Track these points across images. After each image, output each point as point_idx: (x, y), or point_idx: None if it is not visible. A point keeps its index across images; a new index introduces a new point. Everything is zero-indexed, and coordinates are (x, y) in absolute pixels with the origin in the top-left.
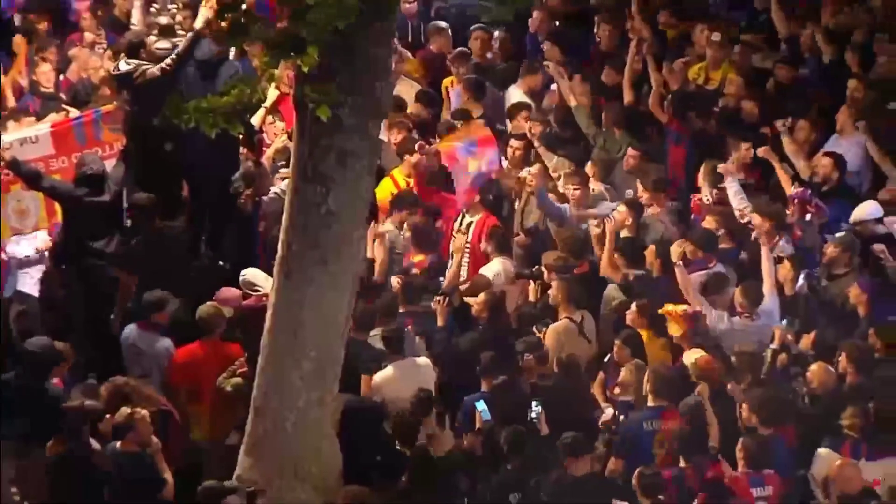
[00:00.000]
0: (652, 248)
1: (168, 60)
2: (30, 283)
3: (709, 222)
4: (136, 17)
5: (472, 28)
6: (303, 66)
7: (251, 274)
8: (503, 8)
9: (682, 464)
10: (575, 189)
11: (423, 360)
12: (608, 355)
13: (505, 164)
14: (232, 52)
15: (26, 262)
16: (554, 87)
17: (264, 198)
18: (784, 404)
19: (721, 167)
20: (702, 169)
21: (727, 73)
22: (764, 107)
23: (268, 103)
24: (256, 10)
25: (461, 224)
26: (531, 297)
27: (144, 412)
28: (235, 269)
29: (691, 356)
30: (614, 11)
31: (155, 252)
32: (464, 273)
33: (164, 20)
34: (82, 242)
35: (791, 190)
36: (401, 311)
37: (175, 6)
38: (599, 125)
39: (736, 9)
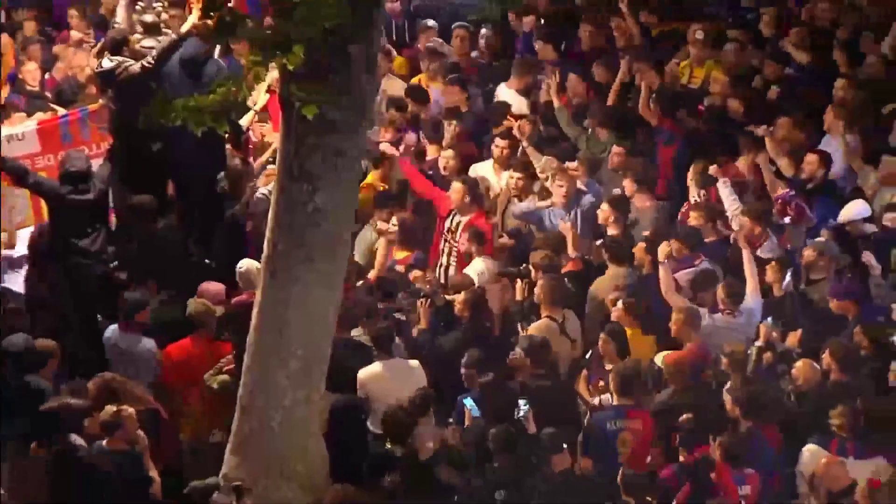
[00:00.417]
0: (641, 245)
1: (149, 58)
2: (19, 281)
3: (694, 218)
4: (120, 15)
5: (453, 26)
6: (288, 64)
7: (246, 267)
8: (491, 6)
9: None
10: (559, 186)
11: (414, 363)
12: (590, 352)
13: (492, 163)
14: (217, 50)
15: (17, 262)
16: (544, 86)
17: (256, 195)
18: (767, 398)
19: (713, 170)
20: (691, 169)
21: (711, 71)
22: (751, 105)
23: (258, 106)
24: (248, 7)
25: (451, 224)
26: (518, 296)
27: (131, 409)
28: (225, 268)
29: (660, 355)
30: (598, 11)
31: (148, 252)
32: (452, 273)
33: (149, 18)
34: (67, 240)
35: (779, 191)
36: (379, 306)
37: (160, 4)
38: (583, 126)
39: (723, 7)
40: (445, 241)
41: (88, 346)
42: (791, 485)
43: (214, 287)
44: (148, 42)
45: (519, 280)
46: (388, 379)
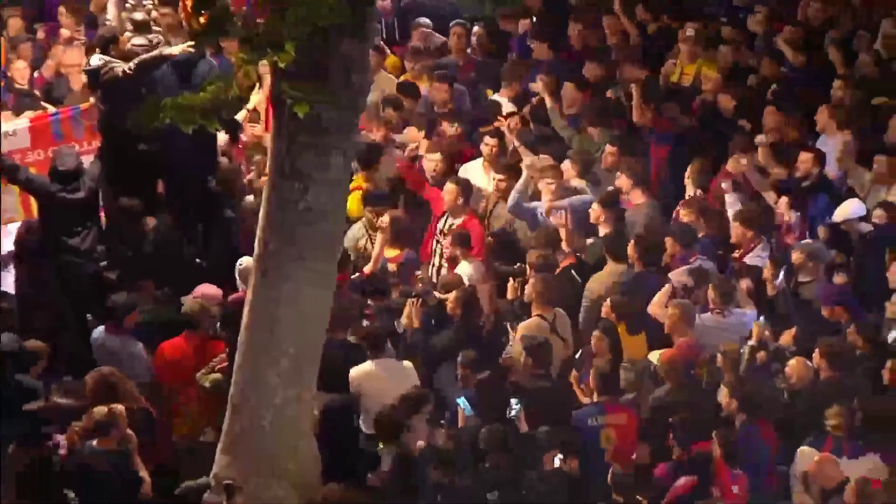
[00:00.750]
0: (631, 242)
1: (131, 64)
2: (10, 280)
3: (684, 215)
4: (111, 13)
5: (451, 24)
6: (280, 62)
7: (246, 264)
8: (486, 4)
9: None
10: (549, 183)
11: (407, 363)
12: (580, 350)
13: (481, 161)
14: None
15: (5, 259)
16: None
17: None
18: (763, 396)
19: (724, 185)
20: (689, 168)
21: (702, 68)
22: (743, 102)
23: (251, 105)
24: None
25: (444, 226)
26: (510, 295)
27: (122, 408)
28: (224, 267)
29: (655, 353)
30: (596, 10)
31: (138, 252)
32: (444, 273)
33: (139, 16)
34: (58, 238)
35: (773, 196)
36: (368, 302)
37: (151, 2)
38: (576, 127)
39: (721, 6)
40: (437, 241)
41: (80, 345)
42: (786, 484)
43: (211, 291)
44: (138, 40)
45: (511, 279)
46: (381, 378)
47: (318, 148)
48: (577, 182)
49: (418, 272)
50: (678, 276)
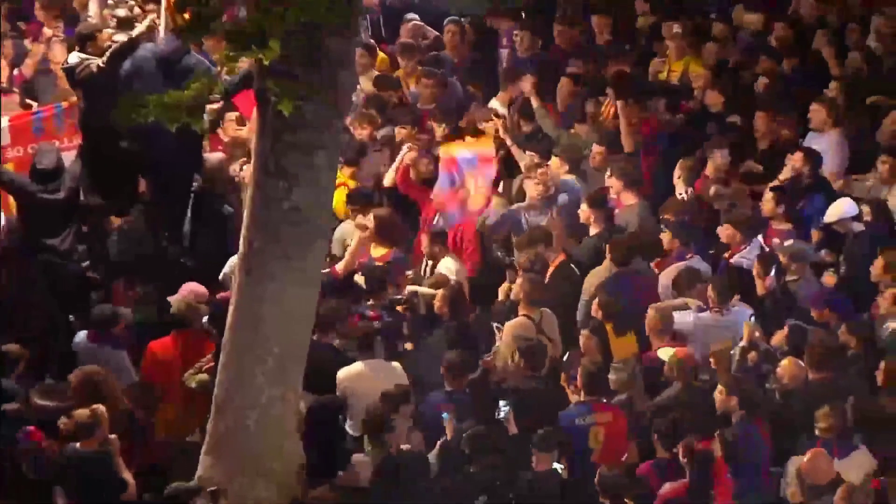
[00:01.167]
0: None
1: (103, 59)
2: None
3: (669, 216)
4: (92, 10)
5: (445, 21)
6: (264, 59)
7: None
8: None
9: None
10: (536, 184)
11: (396, 364)
12: (567, 353)
13: None
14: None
15: None
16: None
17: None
18: (758, 394)
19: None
20: (678, 166)
21: (689, 65)
22: (731, 98)
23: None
24: None
25: (437, 226)
26: (500, 297)
27: (104, 409)
28: (212, 266)
29: (667, 351)
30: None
31: (120, 251)
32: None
33: (121, 12)
34: (37, 238)
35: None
36: (370, 303)
37: None
38: (565, 127)
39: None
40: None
41: (50, 346)
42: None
43: (197, 289)
44: (121, 37)
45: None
46: (369, 378)
47: (304, 146)
48: (566, 177)
49: (409, 272)
50: (667, 275)
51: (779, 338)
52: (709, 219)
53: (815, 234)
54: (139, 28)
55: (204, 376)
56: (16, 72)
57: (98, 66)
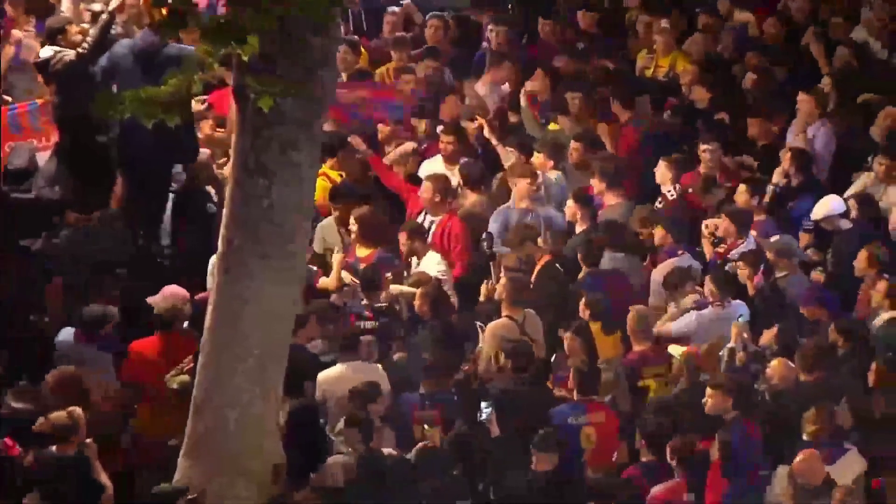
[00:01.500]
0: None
1: (83, 45)
2: None
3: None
4: (65, 4)
5: (427, 16)
6: (243, 55)
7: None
8: None
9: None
10: (521, 182)
11: (377, 365)
12: (554, 355)
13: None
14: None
15: None
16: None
17: None
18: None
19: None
20: (660, 163)
21: (677, 61)
22: (722, 94)
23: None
24: None
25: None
26: (482, 297)
27: (80, 411)
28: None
29: (676, 349)
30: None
31: (81, 249)
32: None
33: (97, 6)
34: (9, 239)
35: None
36: (364, 302)
37: None
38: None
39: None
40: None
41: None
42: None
43: (177, 292)
44: (95, 31)
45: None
46: (349, 381)
47: (284, 143)
48: (552, 174)
49: (388, 274)
50: (658, 273)
51: (768, 337)
52: (696, 217)
53: (802, 237)
54: (114, 3)
55: (185, 377)
56: None
57: (78, 53)
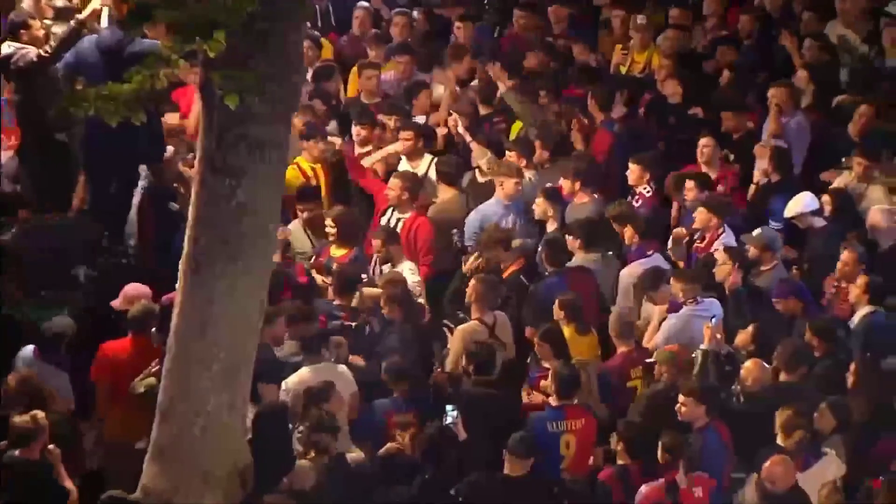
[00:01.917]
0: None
1: (47, 46)
2: None
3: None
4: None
5: (393, 11)
6: (209, 51)
7: None
8: None
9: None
10: (507, 182)
11: (343, 367)
12: (529, 357)
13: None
14: None
15: None
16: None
17: None
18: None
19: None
20: (631, 161)
21: (653, 56)
22: (695, 89)
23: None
24: None
25: (388, 222)
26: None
27: (43, 415)
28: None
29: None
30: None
31: (33, 249)
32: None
33: (60, 2)
34: None
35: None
36: (336, 303)
37: None
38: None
39: None
40: None
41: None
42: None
43: (140, 290)
44: (59, 28)
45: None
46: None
47: (251, 142)
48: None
49: (363, 275)
50: (632, 273)
51: (743, 337)
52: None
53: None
54: (86, 12)
55: (152, 380)
56: None
57: (39, 54)
